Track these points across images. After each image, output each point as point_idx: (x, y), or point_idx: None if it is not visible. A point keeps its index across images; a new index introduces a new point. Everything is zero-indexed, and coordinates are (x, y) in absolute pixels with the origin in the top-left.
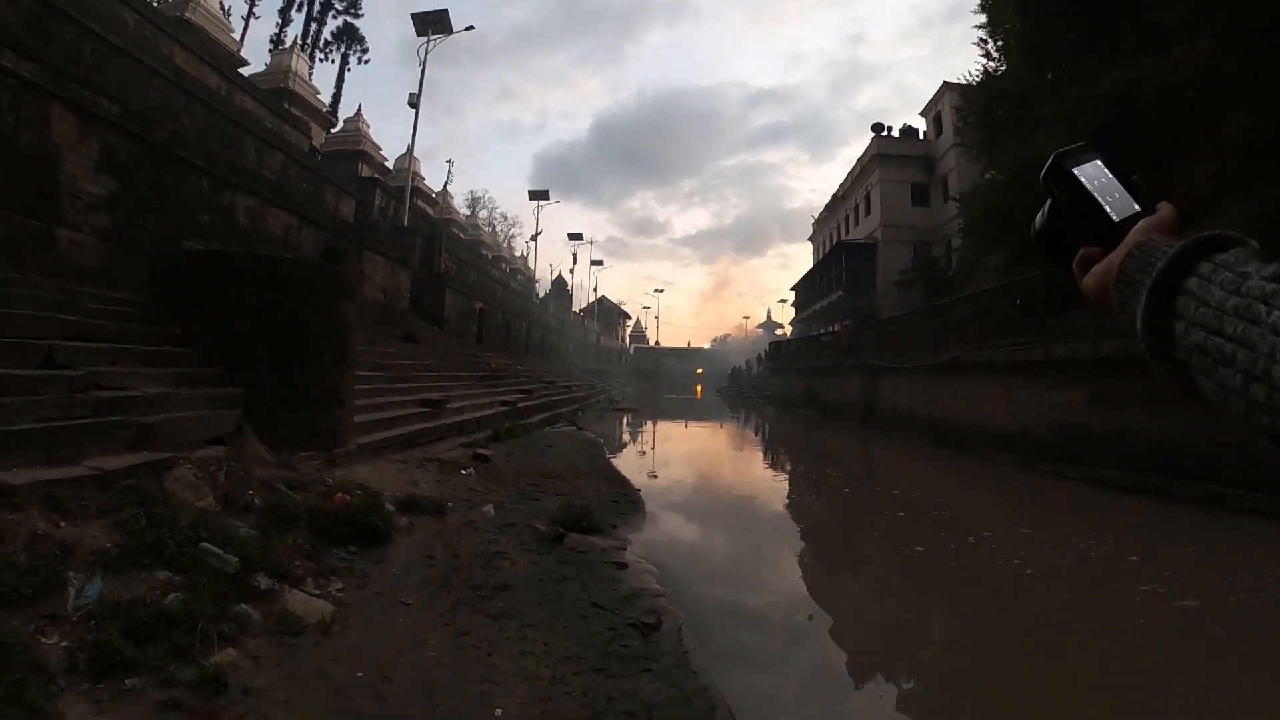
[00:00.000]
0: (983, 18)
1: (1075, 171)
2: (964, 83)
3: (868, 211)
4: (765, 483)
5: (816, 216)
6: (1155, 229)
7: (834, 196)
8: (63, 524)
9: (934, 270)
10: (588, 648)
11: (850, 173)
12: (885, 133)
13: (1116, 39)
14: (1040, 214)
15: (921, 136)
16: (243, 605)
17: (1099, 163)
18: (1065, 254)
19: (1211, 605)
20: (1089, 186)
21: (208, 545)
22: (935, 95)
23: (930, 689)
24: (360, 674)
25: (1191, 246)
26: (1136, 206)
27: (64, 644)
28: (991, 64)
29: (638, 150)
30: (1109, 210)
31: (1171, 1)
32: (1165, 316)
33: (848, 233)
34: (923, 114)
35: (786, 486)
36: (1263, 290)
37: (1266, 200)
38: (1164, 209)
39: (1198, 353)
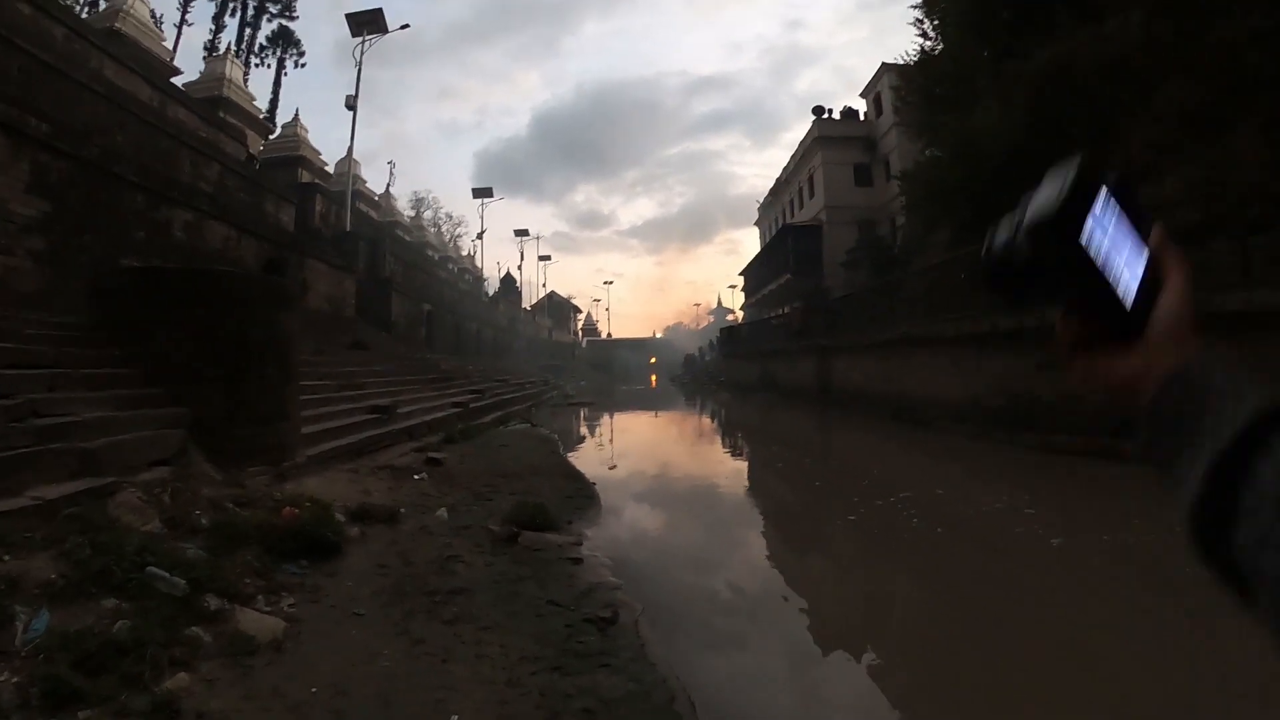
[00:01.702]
0: None
1: (1088, 233)
2: (902, 63)
3: (812, 194)
4: (723, 468)
5: (762, 201)
6: (1177, 320)
7: (778, 181)
8: (6, 557)
9: (880, 249)
10: (545, 646)
11: (793, 156)
12: (826, 115)
13: (1052, 13)
14: (1005, 236)
15: (862, 118)
16: (193, 628)
17: (1104, 200)
18: (1030, 300)
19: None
20: (1099, 261)
21: (155, 569)
22: (874, 76)
23: (895, 664)
24: (315, 690)
25: (1267, 416)
26: (1143, 262)
27: (14, 680)
28: (929, 43)
29: (579, 143)
30: (1122, 289)
31: None
32: (1224, 502)
33: (793, 216)
34: (863, 95)
35: (744, 470)
36: None
37: (1204, 164)
38: (1173, 279)
39: (1267, 555)
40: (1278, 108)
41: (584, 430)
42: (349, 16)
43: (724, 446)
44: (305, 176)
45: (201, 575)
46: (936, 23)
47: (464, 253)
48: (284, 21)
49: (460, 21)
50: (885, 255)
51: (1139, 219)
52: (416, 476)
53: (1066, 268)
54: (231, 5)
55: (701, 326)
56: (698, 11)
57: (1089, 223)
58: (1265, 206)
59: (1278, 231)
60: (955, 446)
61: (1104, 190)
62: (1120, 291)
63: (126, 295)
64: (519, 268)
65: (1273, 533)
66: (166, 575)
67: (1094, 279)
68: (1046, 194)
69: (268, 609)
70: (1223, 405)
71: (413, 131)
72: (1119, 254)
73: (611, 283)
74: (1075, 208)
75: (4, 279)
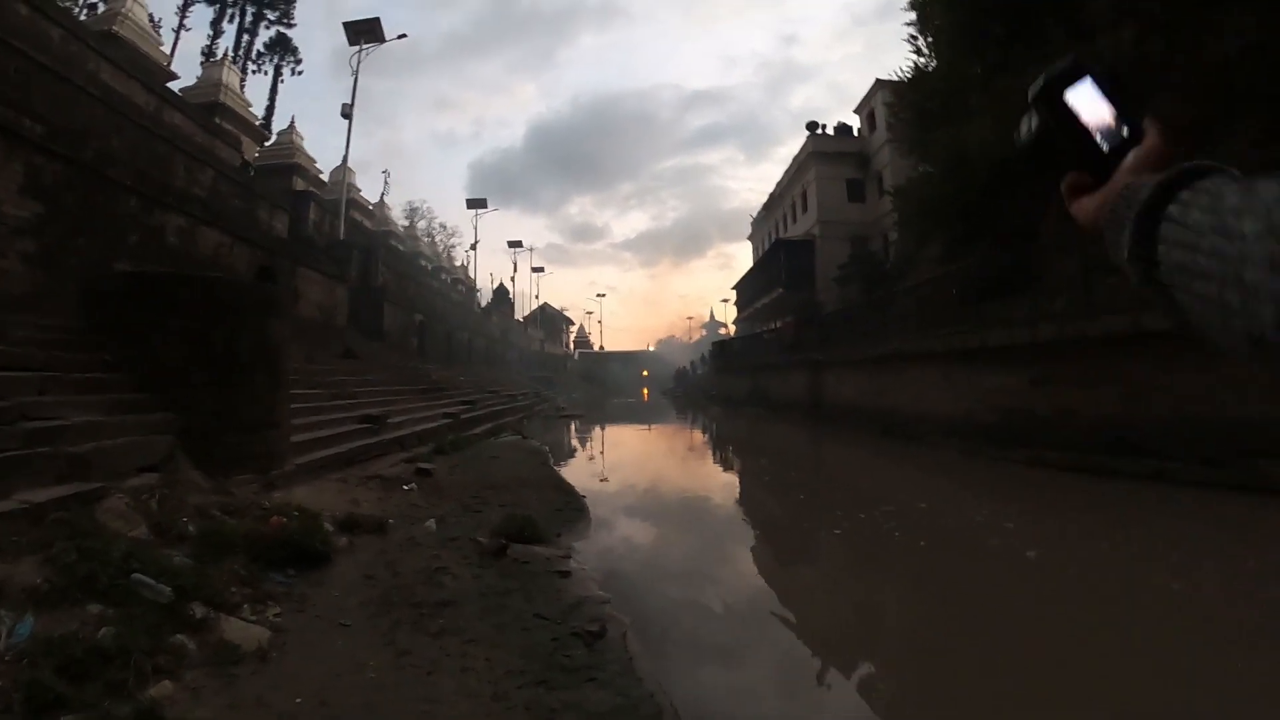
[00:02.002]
0: (912, 15)
1: (1067, 98)
2: (896, 79)
3: (805, 209)
4: (713, 481)
5: (755, 216)
6: (1144, 163)
7: (771, 195)
8: None
9: (872, 264)
10: (531, 660)
11: (787, 171)
12: (820, 131)
13: (1044, 30)
14: (1025, 125)
15: (856, 133)
16: (178, 636)
17: (1089, 82)
18: (1050, 167)
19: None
20: (1080, 114)
21: (140, 576)
22: (868, 92)
23: (880, 675)
24: (300, 700)
25: (1173, 177)
26: (1125, 132)
27: None
28: (922, 60)
29: (574, 156)
30: (1100, 140)
31: None
32: (1150, 244)
33: (786, 230)
34: (856, 111)
35: (735, 484)
36: (1235, 205)
37: None
38: (1151, 137)
39: (1178, 271)
40: (1269, 123)
41: (575, 443)
42: (347, 25)
43: (714, 460)
44: (300, 184)
45: (187, 583)
46: (930, 39)
47: (457, 263)
48: (282, 29)
49: (458, 32)
50: (877, 270)
51: (1125, 105)
52: (406, 487)
53: (1058, 123)
54: (230, 11)
55: (694, 340)
56: (693, 25)
57: (1073, 91)
58: None
59: None
60: (946, 462)
61: (1089, 78)
62: (1099, 140)
63: (118, 299)
64: (512, 279)
65: (1176, 235)
66: (152, 582)
67: (1078, 128)
68: (1041, 75)
69: (253, 618)
70: (1147, 189)
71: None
72: (1102, 119)
73: (604, 295)
74: (1060, 81)
75: None
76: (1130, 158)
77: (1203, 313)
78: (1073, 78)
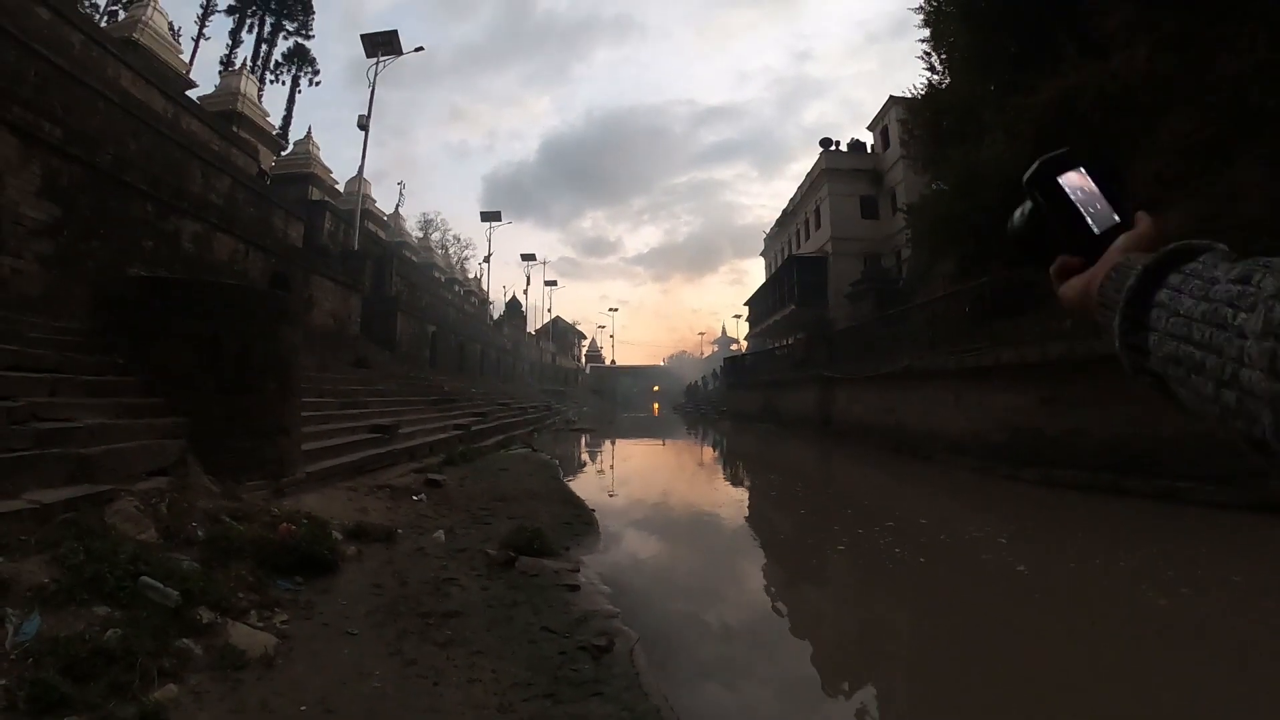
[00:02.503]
0: (926, 32)
1: (1060, 180)
2: (909, 96)
3: (818, 225)
4: (723, 497)
5: (768, 232)
6: (1134, 246)
7: (784, 211)
8: (0, 559)
9: (884, 281)
10: (537, 673)
11: (800, 188)
12: (833, 147)
13: (1057, 48)
14: (1019, 212)
15: (869, 150)
16: (184, 640)
17: (1082, 171)
18: (1042, 256)
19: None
20: (1072, 197)
21: (148, 579)
22: (882, 109)
23: (893, 701)
24: (304, 707)
25: (1161, 259)
26: (1116, 218)
27: (1, 682)
28: (936, 77)
29: (587, 169)
30: (1090, 223)
31: (1112, 7)
32: (1141, 331)
33: (799, 247)
34: (870, 128)
35: (745, 500)
36: (1229, 294)
37: (1208, 198)
38: (1142, 223)
39: (1171, 363)
40: None
41: (585, 456)
42: (364, 37)
43: (724, 476)
44: (315, 194)
45: (194, 587)
46: (944, 57)
47: (470, 275)
48: (300, 39)
49: (473, 45)
50: (890, 288)
51: (1118, 196)
52: (415, 497)
53: (1051, 206)
54: (249, 21)
55: (705, 355)
56: (707, 41)
57: (1064, 178)
58: (1269, 239)
59: None
60: (955, 481)
61: (1082, 167)
62: (1090, 223)
63: (131, 303)
64: (525, 292)
65: (1167, 325)
66: (159, 585)
67: (1068, 209)
68: (1035, 164)
69: (260, 624)
70: (1137, 270)
71: (422, 152)
72: (1092, 205)
73: (616, 310)
74: (1055, 166)
75: (10, 281)
76: (1120, 240)
77: (1199, 408)
78: (1067, 165)
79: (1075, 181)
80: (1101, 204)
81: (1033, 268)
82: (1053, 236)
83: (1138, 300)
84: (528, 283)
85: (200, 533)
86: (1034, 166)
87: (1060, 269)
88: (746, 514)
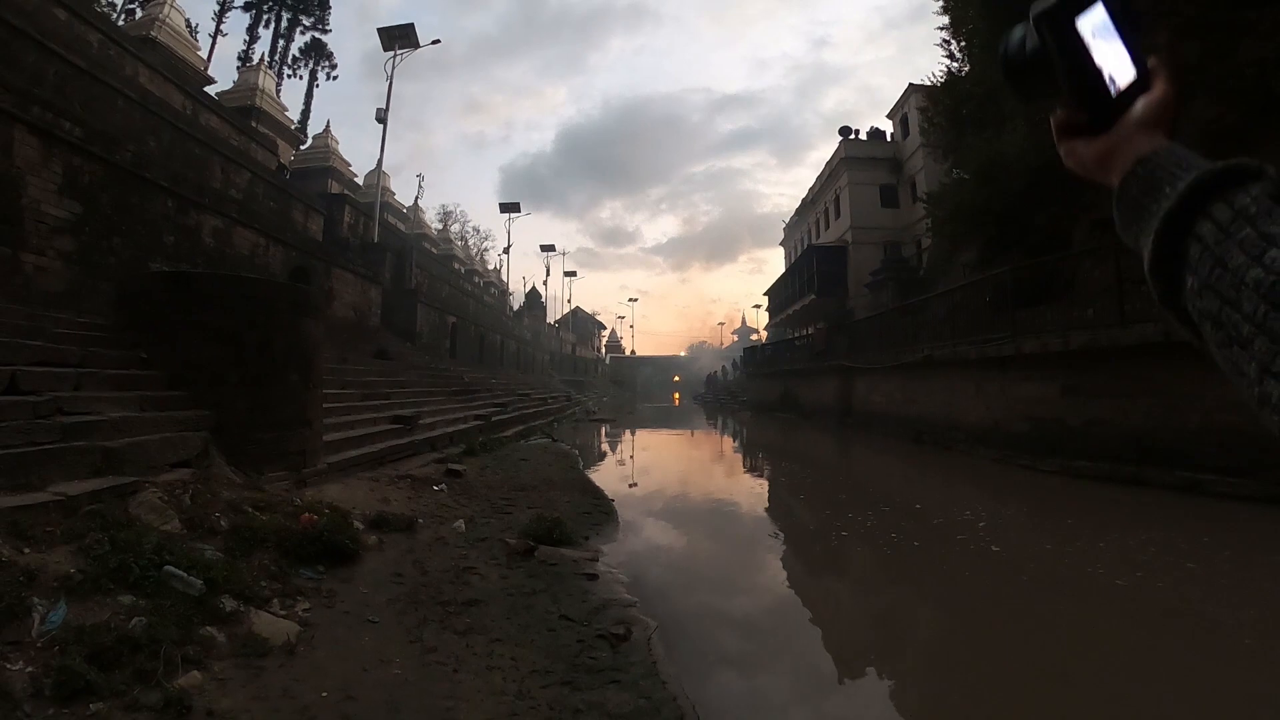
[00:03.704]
0: (945, 19)
1: (1079, 23)
2: (929, 84)
3: (837, 214)
4: (743, 487)
5: (787, 221)
6: (1154, 118)
7: (804, 200)
8: (27, 550)
9: (905, 270)
10: (556, 660)
11: (819, 176)
12: (853, 136)
13: None
14: (1019, 36)
15: (889, 138)
16: (207, 628)
17: (1101, 7)
18: (1037, 93)
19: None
20: (1090, 46)
21: (172, 569)
22: (901, 97)
23: (914, 689)
24: (325, 694)
25: (1205, 180)
26: (1133, 74)
27: (29, 670)
28: (955, 64)
29: (604, 159)
30: (1108, 79)
31: None
32: (1175, 260)
33: (818, 236)
34: (889, 116)
35: (765, 490)
36: None
37: None
38: (1159, 86)
39: (1211, 323)
40: None
41: (604, 447)
42: (381, 31)
43: (744, 466)
44: (335, 187)
45: (218, 576)
46: (963, 44)
47: (490, 266)
48: (317, 34)
49: (487, 36)
50: (910, 277)
51: (1136, 44)
52: (436, 487)
53: (1064, 50)
54: (266, 17)
55: (725, 345)
56: (723, 28)
57: (1085, 18)
58: None
59: None
60: (976, 470)
61: (1100, 4)
62: (1107, 80)
63: (153, 298)
64: (544, 283)
65: (1210, 278)
66: (183, 575)
67: (1085, 62)
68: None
69: (282, 612)
70: (1174, 179)
71: (439, 144)
72: (1110, 55)
73: (636, 300)
74: (1073, 6)
75: (34, 278)
76: (1139, 108)
77: (1235, 380)
78: (1086, 2)
79: (1093, 25)
80: (1119, 53)
81: (1019, 100)
82: (1054, 78)
83: (1177, 224)
84: (547, 273)
85: (223, 523)
86: (1050, 2)
87: (1063, 124)
88: (766, 504)
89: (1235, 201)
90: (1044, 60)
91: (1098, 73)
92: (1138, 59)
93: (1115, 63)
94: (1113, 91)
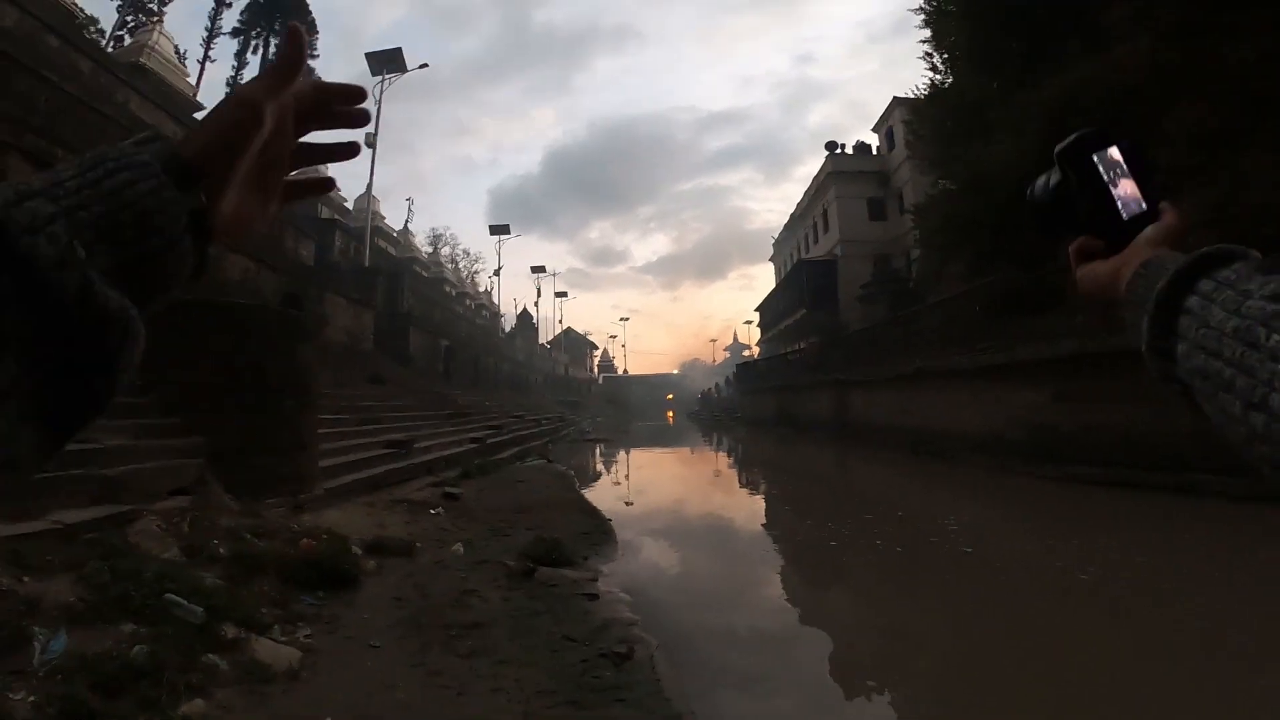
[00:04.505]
0: (927, 32)
1: (1095, 158)
2: (913, 97)
3: (826, 229)
4: (739, 504)
5: (776, 236)
6: (1161, 240)
7: (792, 216)
8: (27, 579)
9: (895, 282)
10: (560, 681)
11: (807, 192)
12: (839, 150)
13: (1061, 43)
14: (1044, 180)
15: (875, 152)
16: (210, 655)
17: (1117, 150)
18: (1059, 229)
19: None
20: (1105, 177)
21: (173, 596)
22: (886, 110)
23: (916, 704)
24: (330, 719)
25: (1192, 263)
26: (1144, 206)
27: (31, 699)
28: (938, 77)
29: (592, 180)
30: (1120, 206)
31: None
32: (1169, 337)
33: (808, 250)
34: (874, 129)
35: (762, 506)
36: (1263, 311)
37: (1215, 187)
38: (1168, 215)
39: (1199, 377)
40: None
41: (600, 467)
42: (369, 56)
43: (740, 483)
44: (325, 212)
45: (219, 603)
46: (945, 56)
47: (481, 289)
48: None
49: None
50: (901, 288)
51: (1145, 178)
52: (433, 511)
53: (1080, 183)
54: (254, 43)
55: (718, 362)
56: (707, 47)
57: (1099, 157)
58: (1278, 227)
59: None
60: (973, 479)
61: (1116, 147)
62: (1120, 208)
63: (147, 325)
64: (535, 304)
65: (1196, 337)
66: (184, 602)
67: (1099, 192)
68: (1070, 137)
69: (284, 639)
70: (1168, 271)
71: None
72: (1124, 187)
73: (627, 319)
74: (1089, 143)
75: None
76: (1149, 230)
77: (1224, 427)
78: (1103, 142)
79: (1109, 161)
80: (1131, 188)
81: (1045, 238)
82: (1075, 213)
83: (1168, 304)
84: (538, 294)
85: (222, 550)
86: (1070, 139)
87: (1080, 250)
88: (763, 520)
89: (1218, 275)
90: (1066, 196)
91: (1112, 202)
92: (1149, 195)
93: (1128, 195)
94: (1124, 217)
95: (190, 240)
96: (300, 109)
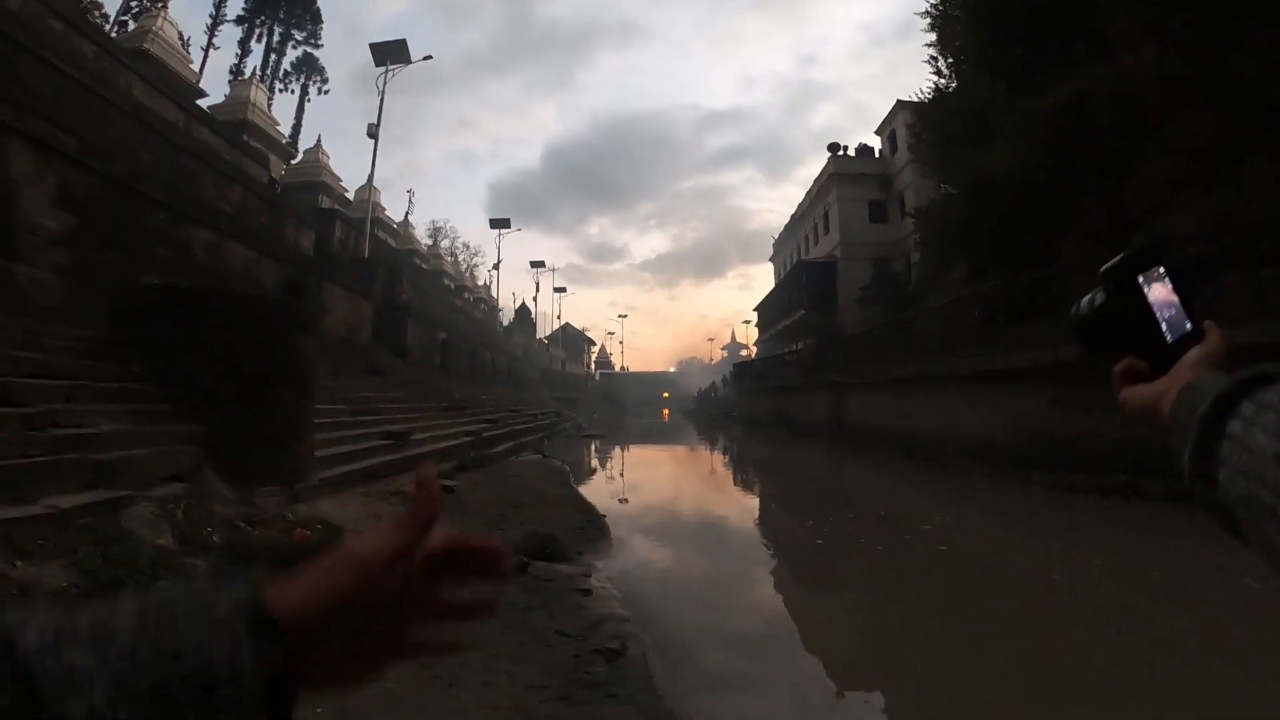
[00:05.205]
0: (932, 36)
1: (1141, 280)
2: (916, 100)
3: (826, 230)
4: (734, 504)
5: (776, 237)
6: (1204, 362)
7: (793, 216)
8: (20, 564)
9: (894, 285)
10: (553, 676)
11: (808, 193)
12: (841, 152)
13: (1066, 50)
14: (1089, 300)
15: (877, 154)
16: None
17: (1163, 271)
18: (1104, 348)
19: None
20: (1150, 298)
21: (165, 583)
22: (889, 113)
23: (910, 702)
24: (320, 709)
25: (1233, 387)
26: (1189, 325)
27: None
28: (942, 81)
29: (593, 176)
30: (1164, 328)
31: (1120, 9)
32: (1212, 461)
33: (808, 252)
34: (877, 132)
35: (756, 507)
36: None
37: (1218, 197)
38: (1212, 336)
39: (1243, 504)
40: None
41: (595, 463)
42: (373, 47)
43: (735, 482)
44: (326, 202)
45: None
46: (950, 60)
47: (480, 282)
48: (309, 49)
49: (476, 53)
50: (900, 292)
51: (1190, 297)
52: None
53: (1125, 304)
54: (258, 31)
55: (715, 361)
56: (711, 46)
57: (1144, 276)
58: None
59: None
60: (968, 485)
61: (1162, 267)
62: (1164, 330)
63: (147, 312)
64: (534, 299)
65: (1239, 463)
66: None
67: (1144, 313)
68: (1117, 257)
69: None
70: (1208, 394)
71: (429, 160)
72: (1167, 310)
73: (625, 316)
74: (1136, 262)
75: (27, 291)
76: (1193, 353)
77: (1268, 553)
78: (1149, 262)
79: (1155, 283)
80: (1176, 309)
81: (1091, 358)
82: (1120, 333)
83: (1211, 429)
84: (537, 289)
85: (216, 538)
86: (1116, 260)
87: (1125, 372)
88: (757, 520)
89: (1260, 398)
90: (1110, 315)
91: (1157, 324)
92: (1193, 315)
93: (1173, 316)
94: (1169, 339)
95: (266, 714)
96: (432, 562)
